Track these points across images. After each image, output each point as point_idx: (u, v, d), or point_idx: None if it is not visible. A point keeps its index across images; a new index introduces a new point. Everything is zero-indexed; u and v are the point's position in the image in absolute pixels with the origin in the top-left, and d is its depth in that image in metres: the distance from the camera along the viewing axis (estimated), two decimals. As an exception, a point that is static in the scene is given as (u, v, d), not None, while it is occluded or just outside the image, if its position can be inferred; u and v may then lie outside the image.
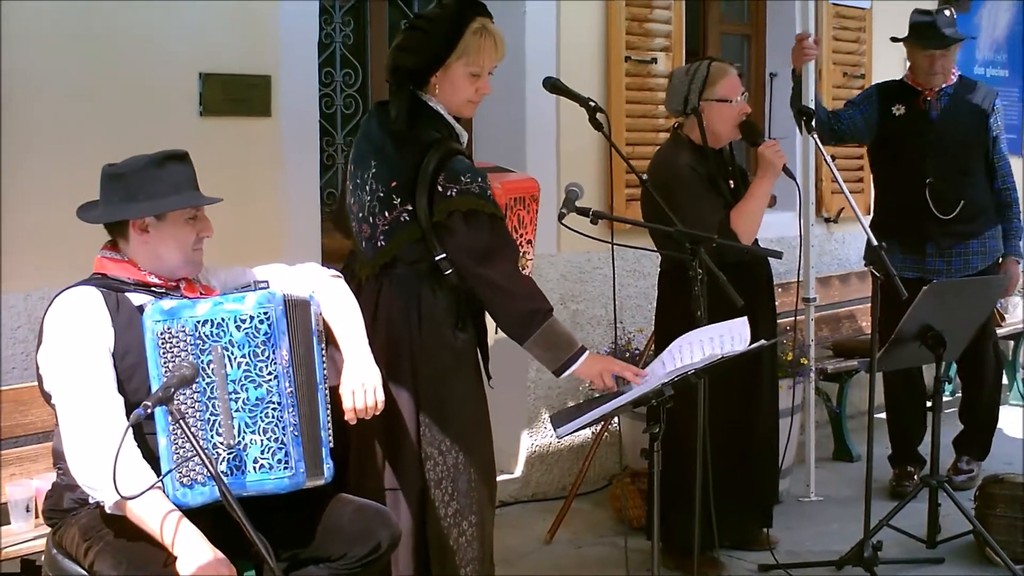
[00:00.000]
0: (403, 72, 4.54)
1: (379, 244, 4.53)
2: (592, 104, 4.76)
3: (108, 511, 3.61)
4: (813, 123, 6.51)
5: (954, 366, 8.70)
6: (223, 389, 3.68)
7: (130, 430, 3.41)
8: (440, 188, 4.39)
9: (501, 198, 4.56)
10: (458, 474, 4.57)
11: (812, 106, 6.82)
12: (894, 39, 7.31)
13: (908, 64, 7.31)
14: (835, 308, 8.92)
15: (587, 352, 4.48)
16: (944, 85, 7.21)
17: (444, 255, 4.45)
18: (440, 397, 4.55)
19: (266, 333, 3.71)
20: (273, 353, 3.72)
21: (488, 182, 4.47)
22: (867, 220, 6.92)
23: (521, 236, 4.78)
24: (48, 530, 3.99)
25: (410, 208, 4.44)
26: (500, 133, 7.07)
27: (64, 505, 3.85)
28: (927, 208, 7.08)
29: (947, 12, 7.25)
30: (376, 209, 4.52)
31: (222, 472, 3.64)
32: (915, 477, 7.22)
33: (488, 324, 4.77)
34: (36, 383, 3.83)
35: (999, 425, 8.01)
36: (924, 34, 7.14)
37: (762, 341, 4.51)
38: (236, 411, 3.69)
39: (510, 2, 6.90)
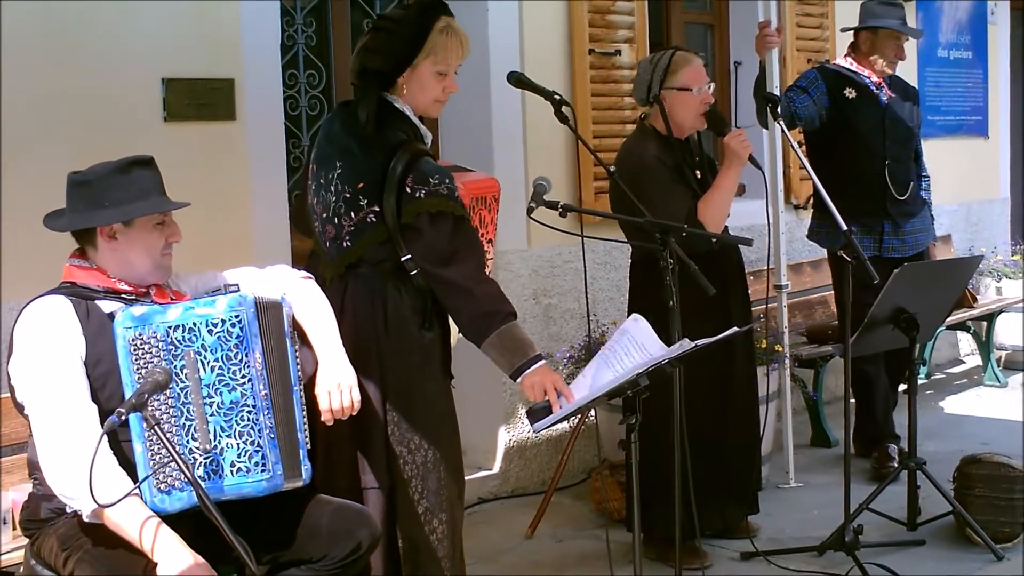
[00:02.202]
0: (370, 74, 4.54)
1: (344, 244, 4.52)
2: (557, 97, 4.75)
3: (86, 520, 3.59)
4: (778, 110, 6.52)
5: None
6: (197, 394, 3.67)
7: (105, 437, 3.40)
8: (409, 189, 4.38)
9: (464, 198, 4.54)
10: (427, 472, 4.56)
11: (776, 93, 6.85)
12: (869, 27, 7.36)
13: (862, 50, 7.38)
14: (808, 294, 8.95)
15: (543, 361, 4.44)
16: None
17: (410, 256, 4.44)
18: (408, 396, 4.54)
19: (238, 336, 3.69)
20: (246, 356, 3.70)
21: (455, 183, 4.47)
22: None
23: (482, 236, 4.75)
24: (26, 541, 3.96)
25: (377, 209, 4.43)
26: (466, 129, 7.07)
27: (41, 515, 3.82)
28: (887, 189, 7.26)
29: (901, 5, 7.40)
30: (342, 210, 4.50)
31: (199, 477, 3.62)
32: (895, 457, 7.24)
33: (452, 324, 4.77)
34: (8, 394, 3.80)
35: (976, 405, 8.08)
36: (895, 23, 7.27)
37: (735, 328, 4.50)
38: (211, 415, 3.68)
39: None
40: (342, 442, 4.48)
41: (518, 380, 4.44)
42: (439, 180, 4.40)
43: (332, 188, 4.54)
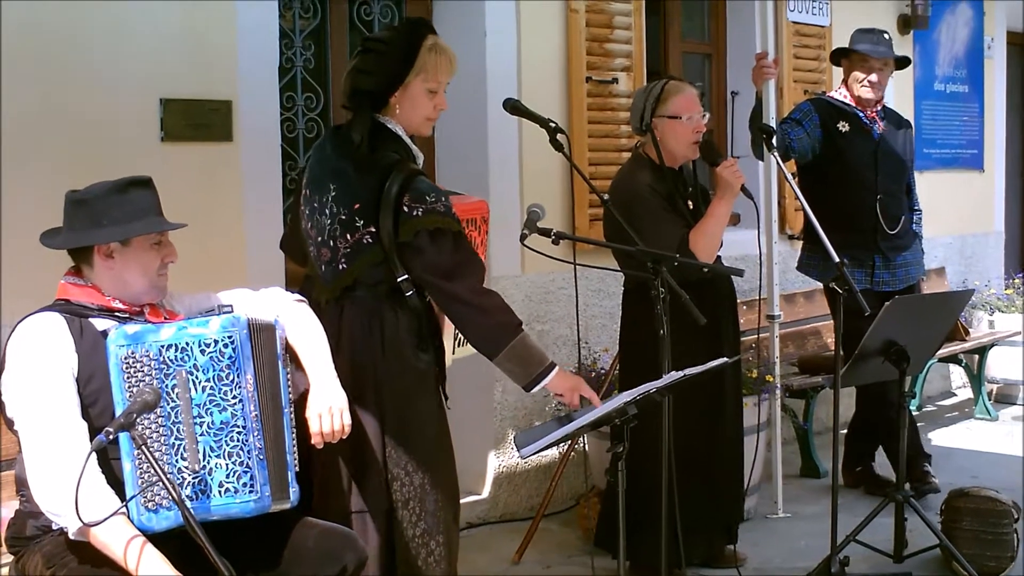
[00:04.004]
0: (362, 94, 4.57)
1: (340, 267, 4.54)
2: (552, 125, 4.79)
3: (72, 537, 3.60)
4: (773, 141, 6.55)
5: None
6: (188, 413, 3.68)
7: (94, 455, 3.41)
8: (406, 208, 4.40)
9: None
10: (425, 494, 4.58)
11: (772, 124, 6.88)
12: (842, 52, 7.48)
13: (845, 79, 7.50)
14: (800, 325, 8.96)
15: (557, 368, 4.53)
16: (877, 107, 7.48)
17: (406, 276, 4.47)
18: (405, 418, 4.55)
19: (230, 357, 3.71)
20: (238, 377, 3.72)
21: (450, 201, 4.50)
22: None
23: None
24: (11, 558, 3.95)
25: (373, 230, 4.45)
26: (462, 155, 7.09)
27: (27, 532, 3.83)
28: (878, 223, 7.30)
29: (886, 35, 7.42)
30: (337, 232, 4.52)
31: (187, 496, 3.64)
32: (932, 473, 7.41)
33: (445, 347, 4.80)
34: (-2, 411, 3.82)
35: (966, 438, 8.11)
36: (866, 47, 7.39)
37: (724, 359, 4.51)
38: (201, 435, 3.69)
39: (471, 24, 6.93)
40: (339, 465, 4.50)
41: (534, 390, 4.53)
42: (435, 198, 4.44)
43: (327, 211, 4.56)
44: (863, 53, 7.36)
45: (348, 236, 4.50)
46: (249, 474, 3.72)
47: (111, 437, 3.37)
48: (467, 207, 4.78)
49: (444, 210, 4.44)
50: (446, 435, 4.75)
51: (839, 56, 7.59)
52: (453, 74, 4.68)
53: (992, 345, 10.15)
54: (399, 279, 4.47)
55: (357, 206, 4.47)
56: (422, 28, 4.63)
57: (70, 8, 5.36)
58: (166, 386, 3.67)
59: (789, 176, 6.49)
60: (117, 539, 3.52)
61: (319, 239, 4.60)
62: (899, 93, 9.85)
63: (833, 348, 7.20)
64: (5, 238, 5.08)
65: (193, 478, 3.68)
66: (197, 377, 3.70)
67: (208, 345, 3.70)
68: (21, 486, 3.81)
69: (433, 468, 4.61)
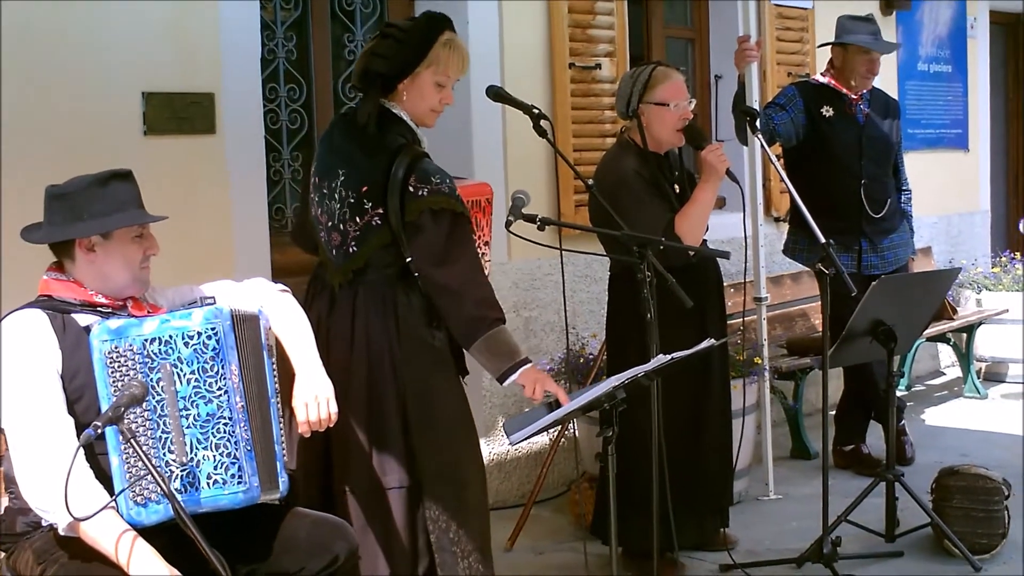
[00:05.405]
0: (373, 76, 4.65)
1: (350, 250, 4.61)
2: (536, 111, 4.83)
3: (62, 533, 3.59)
4: (757, 123, 6.53)
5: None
6: (173, 406, 3.67)
7: (81, 451, 3.41)
8: (412, 188, 4.49)
9: None
10: (454, 470, 4.67)
11: (756, 107, 6.87)
12: (839, 43, 7.44)
13: (835, 65, 7.46)
14: (788, 307, 8.96)
15: (529, 364, 4.59)
16: (863, 89, 7.49)
17: (412, 257, 4.56)
18: (427, 396, 4.64)
19: (214, 348, 3.70)
20: (222, 368, 3.71)
21: (455, 184, 4.58)
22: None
23: (479, 238, 4.86)
24: (2, 555, 3.95)
25: (381, 211, 4.54)
26: (447, 142, 7.04)
27: (17, 529, 3.82)
28: (862, 208, 7.33)
29: (872, 21, 7.44)
30: (347, 215, 4.60)
31: (176, 489, 3.63)
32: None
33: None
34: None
35: (955, 417, 8.13)
36: (866, 38, 7.34)
37: (711, 340, 4.51)
38: (187, 428, 3.68)
39: (453, 12, 6.89)
40: (359, 445, 4.59)
41: (505, 383, 4.61)
42: (440, 179, 4.53)
43: (336, 196, 4.63)
44: (865, 47, 7.33)
45: (357, 219, 4.58)
46: (237, 465, 3.71)
47: (99, 431, 3.37)
48: (470, 189, 4.88)
49: (448, 191, 4.54)
50: (467, 411, 4.84)
51: (834, 46, 7.52)
52: (464, 72, 4.79)
53: (980, 323, 10.17)
54: (408, 259, 4.57)
55: (365, 188, 4.57)
56: (442, 23, 4.73)
57: (52, 3, 5.33)
58: (151, 379, 3.65)
59: (774, 158, 6.48)
60: (107, 534, 3.52)
61: (329, 224, 4.68)
62: (883, 74, 9.77)
63: (821, 329, 7.25)
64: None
65: (181, 471, 3.67)
66: (182, 370, 3.68)
67: (191, 337, 3.69)
68: (9, 483, 3.80)
69: (458, 443, 4.74)
